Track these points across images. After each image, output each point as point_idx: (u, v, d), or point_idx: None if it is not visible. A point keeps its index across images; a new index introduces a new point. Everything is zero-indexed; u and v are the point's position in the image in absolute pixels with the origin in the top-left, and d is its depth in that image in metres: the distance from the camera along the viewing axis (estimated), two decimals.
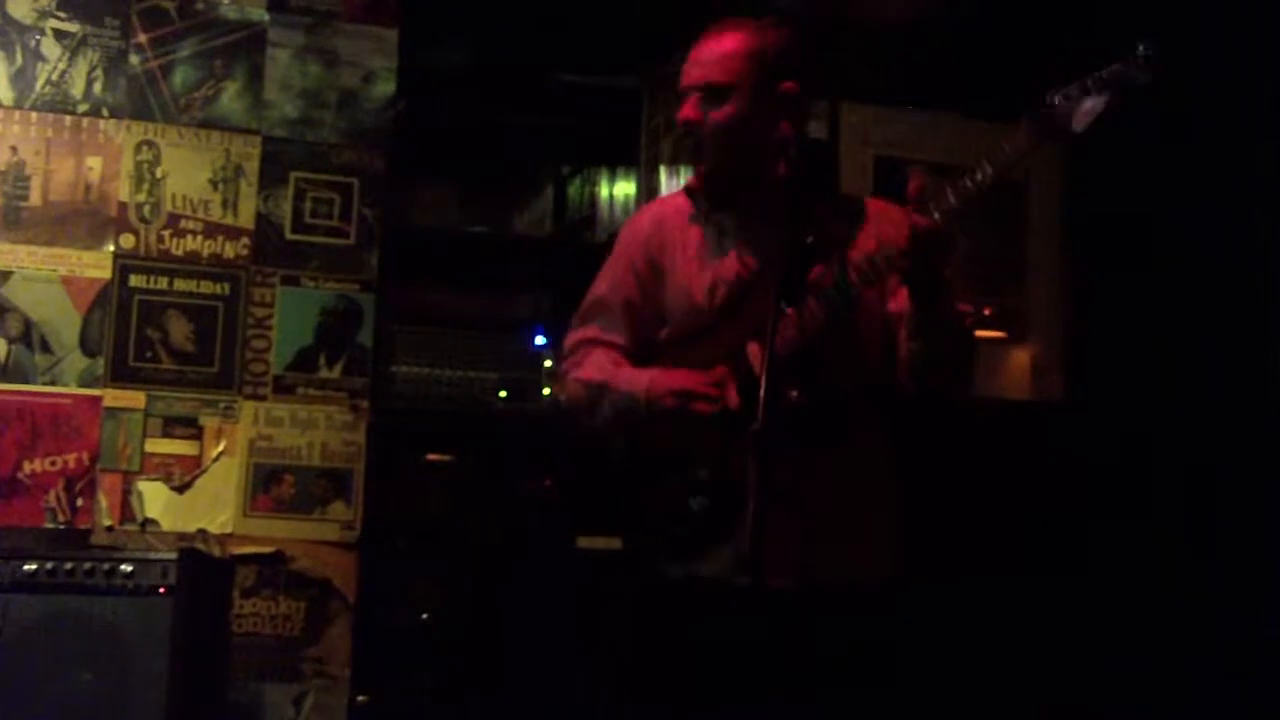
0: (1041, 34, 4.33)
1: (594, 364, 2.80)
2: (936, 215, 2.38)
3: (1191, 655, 4.03)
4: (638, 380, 2.71)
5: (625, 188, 5.24)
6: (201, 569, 3.91)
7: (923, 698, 2.78)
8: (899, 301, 2.62)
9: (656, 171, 4.87)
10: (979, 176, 2.36)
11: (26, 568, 3.56)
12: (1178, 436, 4.24)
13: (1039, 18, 4.37)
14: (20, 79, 4.16)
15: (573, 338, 2.90)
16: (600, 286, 2.88)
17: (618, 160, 5.26)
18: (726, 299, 2.69)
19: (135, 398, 4.14)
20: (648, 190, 4.93)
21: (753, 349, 2.55)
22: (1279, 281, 4.07)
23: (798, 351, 2.49)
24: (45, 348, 4.10)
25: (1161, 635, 4.10)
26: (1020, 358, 4.44)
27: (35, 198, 4.14)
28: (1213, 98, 4.11)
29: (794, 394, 2.44)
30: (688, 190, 2.82)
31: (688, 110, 2.69)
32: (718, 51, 2.69)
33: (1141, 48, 2.28)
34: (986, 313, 4.36)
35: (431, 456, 4.52)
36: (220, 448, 4.18)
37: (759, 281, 2.62)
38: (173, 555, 3.73)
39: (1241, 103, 4.13)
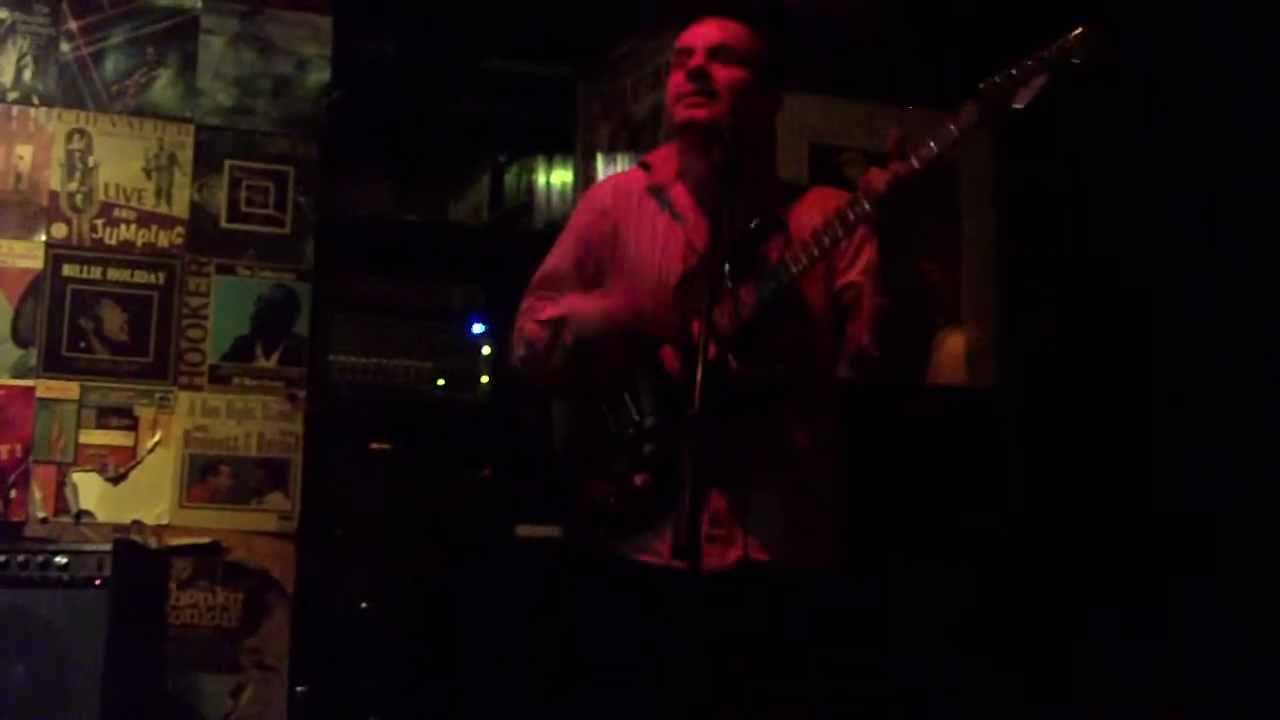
0: (977, 26, 4.38)
1: (551, 306, 2.82)
2: (916, 163, 2.43)
3: (1128, 638, 4.09)
4: (594, 302, 2.75)
5: (562, 176, 5.25)
6: (137, 560, 3.89)
7: (861, 681, 2.80)
8: (854, 274, 2.67)
9: (593, 159, 4.88)
10: (949, 133, 2.42)
11: None
12: (1110, 422, 4.29)
13: (974, 9, 4.42)
14: None
15: (525, 302, 2.91)
16: (551, 259, 2.91)
17: (554, 148, 5.27)
18: (677, 278, 2.71)
19: (69, 388, 4.10)
20: (585, 178, 4.94)
21: (695, 327, 2.57)
22: (1210, 266, 4.12)
23: (739, 332, 2.52)
24: None
25: (1096, 619, 4.15)
26: (954, 343, 4.48)
27: None
28: (1144, 83, 4.16)
29: (732, 365, 2.47)
30: (643, 166, 2.85)
31: (699, 58, 2.70)
32: (735, 26, 2.74)
33: (1081, 28, 2.34)
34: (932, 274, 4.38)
35: (370, 446, 4.51)
36: (156, 438, 4.15)
37: (706, 262, 2.63)
38: (107, 547, 3.71)
39: (1172, 89, 4.18)
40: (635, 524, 2.64)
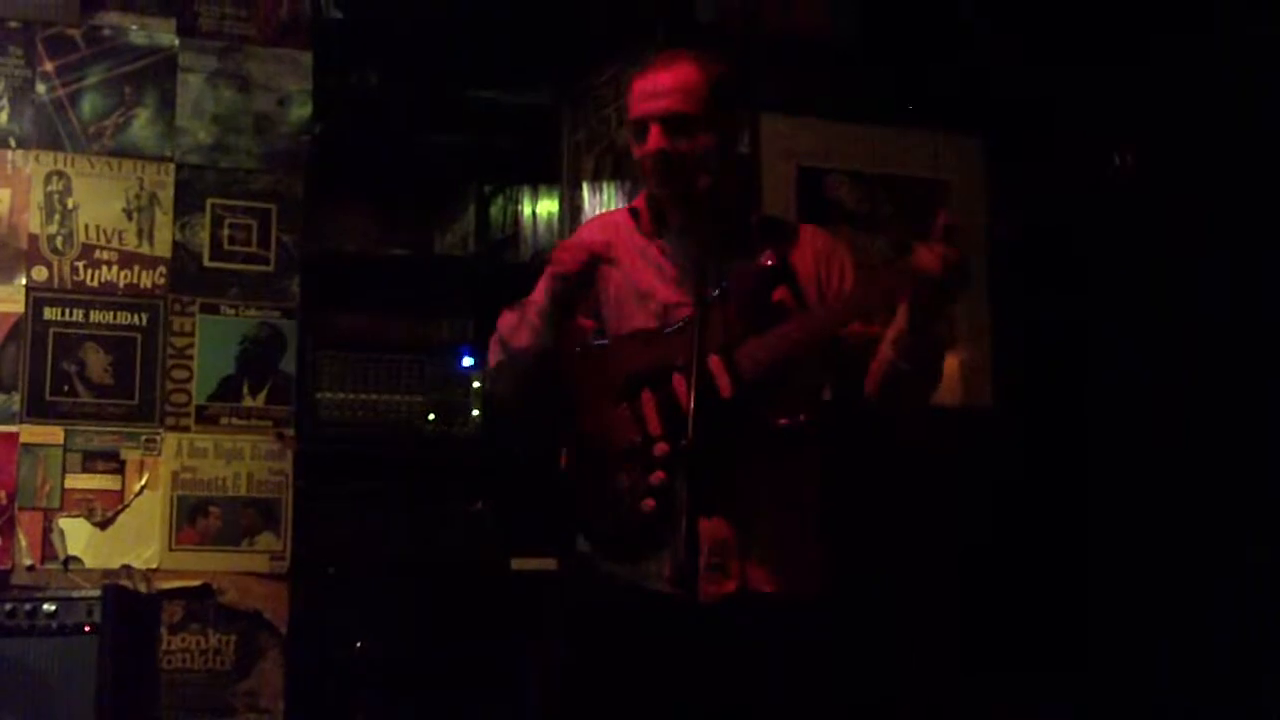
0: (951, 45, 4.40)
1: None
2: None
3: (1121, 659, 4.09)
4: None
5: (548, 205, 5.22)
6: (127, 606, 3.84)
7: (853, 705, 2.80)
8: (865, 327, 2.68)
9: (579, 188, 4.85)
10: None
11: None
12: (1106, 440, 4.28)
13: (950, 29, 4.43)
14: None
15: (500, 324, 2.87)
16: (535, 292, 2.88)
17: (539, 178, 5.23)
18: (661, 320, 2.70)
19: (53, 433, 4.06)
20: (571, 207, 4.91)
21: (678, 380, 2.56)
22: (1197, 289, 4.12)
23: (750, 384, 2.53)
24: None
25: (1092, 638, 4.15)
26: (950, 364, 4.45)
27: None
28: (1127, 114, 4.18)
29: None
30: (632, 212, 2.83)
31: (657, 140, 2.63)
32: (680, 82, 2.65)
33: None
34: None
35: (361, 482, 4.46)
36: (143, 481, 4.11)
37: (694, 304, 2.61)
38: (96, 593, 3.69)
39: (1153, 118, 4.20)
40: (637, 551, 2.61)
